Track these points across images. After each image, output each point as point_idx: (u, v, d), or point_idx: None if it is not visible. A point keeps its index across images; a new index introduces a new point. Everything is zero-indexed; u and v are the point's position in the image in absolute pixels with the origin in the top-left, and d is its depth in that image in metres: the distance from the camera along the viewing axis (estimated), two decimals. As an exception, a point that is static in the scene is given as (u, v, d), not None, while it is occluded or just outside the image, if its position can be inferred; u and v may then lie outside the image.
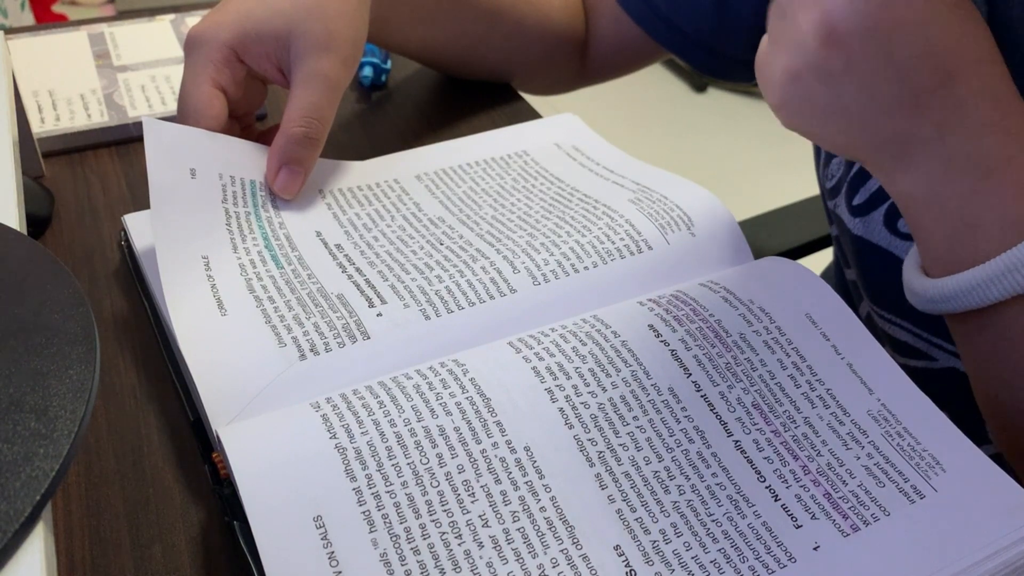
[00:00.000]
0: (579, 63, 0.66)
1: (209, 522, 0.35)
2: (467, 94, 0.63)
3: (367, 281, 0.41)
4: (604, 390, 0.35)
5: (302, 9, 0.45)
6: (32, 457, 0.26)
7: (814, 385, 0.36)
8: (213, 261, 0.41)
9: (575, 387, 0.35)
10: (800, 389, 0.36)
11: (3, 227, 0.36)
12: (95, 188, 0.53)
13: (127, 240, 0.46)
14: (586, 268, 0.42)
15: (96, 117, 0.57)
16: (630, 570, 0.30)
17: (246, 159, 0.46)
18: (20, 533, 0.25)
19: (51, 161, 0.55)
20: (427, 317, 0.39)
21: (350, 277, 0.41)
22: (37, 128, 0.55)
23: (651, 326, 0.37)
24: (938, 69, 0.35)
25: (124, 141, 0.57)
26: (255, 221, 0.44)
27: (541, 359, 0.36)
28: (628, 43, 0.63)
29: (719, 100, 2.29)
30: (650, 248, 0.43)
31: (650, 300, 0.39)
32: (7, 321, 0.31)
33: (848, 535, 0.31)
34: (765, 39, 0.39)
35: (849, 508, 0.32)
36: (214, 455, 0.34)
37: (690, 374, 0.36)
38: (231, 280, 0.41)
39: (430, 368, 0.36)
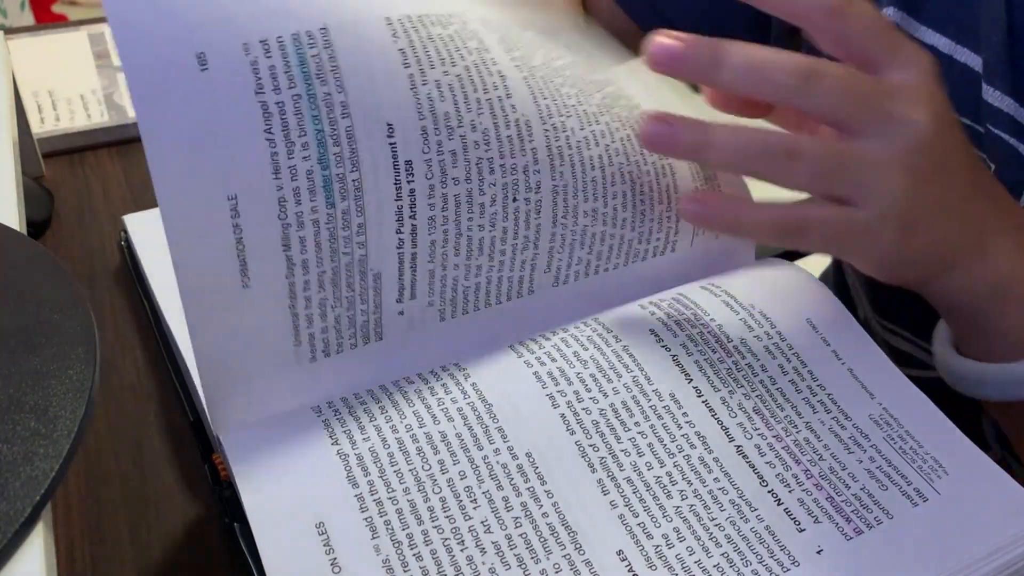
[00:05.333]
0: None
1: (209, 522, 0.35)
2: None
3: (413, 255, 0.35)
4: (605, 396, 0.35)
5: None
6: (32, 457, 0.26)
7: (815, 390, 0.36)
8: (242, 201, 0.31)
9: (576, 393, 0.35)
10: (801, 395, 0.36)
11: (3, 227, 0.36)
12: (95, 188, 0.53)
13: (127, 240, 0.46)
14: (606, 270, 0.42)
15: (96, 117, 0.57)
16: (633, 575, 0.30)
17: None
18: (20, 533, 0.25)
19: (51, 161, 0.55)
20: (443, 318, 0.39)
21: (400, 246, 0.35)
22: (37, 128, 0.55)
23: (652, 331, 0.37)
24: (978, 161, 0.37)
25: (124, 141, 0.57)
26: (307, 112, 0.32)
27: (543, 364, 0.36)
28: (625, 36, 0.63)
29: (719, 100, 2.28)
30: (673, 251, 0.43)
31: (651, 303, 0.39)
32: (7, 321, 0.31)
33: (851, 538, 0.31)
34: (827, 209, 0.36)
35: (852, 511, 0.32)
36: (214, 456, 0.34)
37: (691, 379, 0.36)
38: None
39: (432, 372, 0.35)
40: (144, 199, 0.52)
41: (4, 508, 0.25)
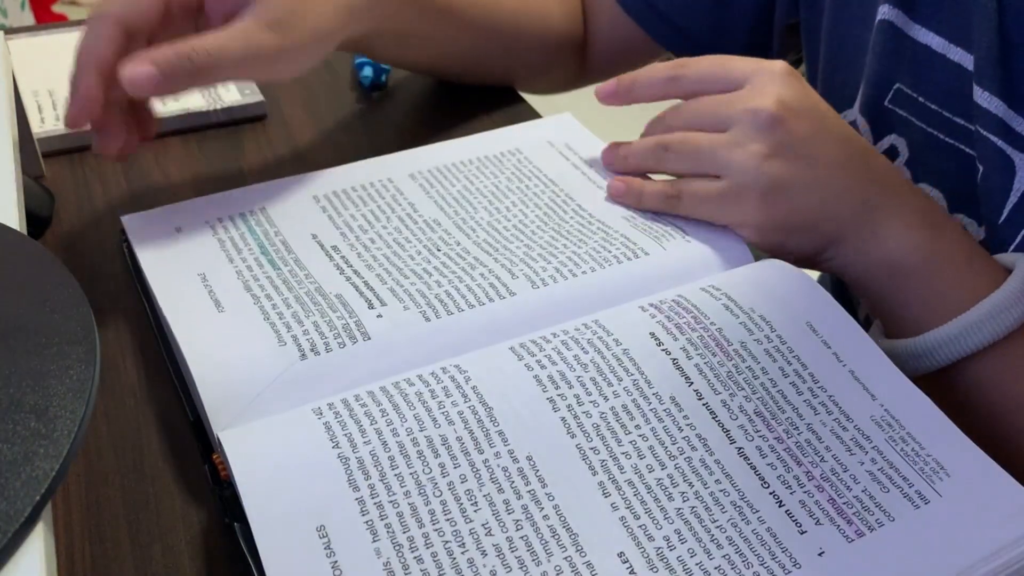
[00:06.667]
0: (579, 63, 0.66)
1: (209, 522, 0.35)
2: (468, 94, 0.63)
3: (365, 283, 0.41)
4: (606, 399, 0.35)
5: None
6: (32, 457, 0.26)
7: (816, 392, 0.36)
8: (210, 274, 0.42)
9: (577, 396, 0.35)
10: (802, 396, 0.36)
11: (3, 227, 0.36)
12: (95, 188, 0.53)
13: (126, 240, 0.46)
14: (584, 272, 0.42)
15: (96, 117, 0.57)
16: None
17: (232, 202, 0.48)
18: (20, 533, 0.25)
19: (51, 161, 0.55)
20: (427, 319, 0.39)
21: (348, 279, 0.42)
22: (37, 128, 0.55)
23: (652, 334, 0.37)
24: (857, 140, 0.44)
25: (124, 141, 0.57)
26: (249, 234, 0.45)
27: (543, 367, 0.36)
28: (627, 42, 0.63)
29: (719, 100, 2.28)
30: (646, 254, 0.43)
31: (651, 306, 0.39)
32: (7, 321, 0.31)
33: (853, 540, 0.31)
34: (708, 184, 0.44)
35: (853, 513, 0.32)
36: (214, 456, 0.34)
37: (692, 383, 0.36)
38: (228, 283, 0.41)
39: (432, 375, 0.36)
40: (143, 199, 0.52)
41: (4, 508, 0.25)
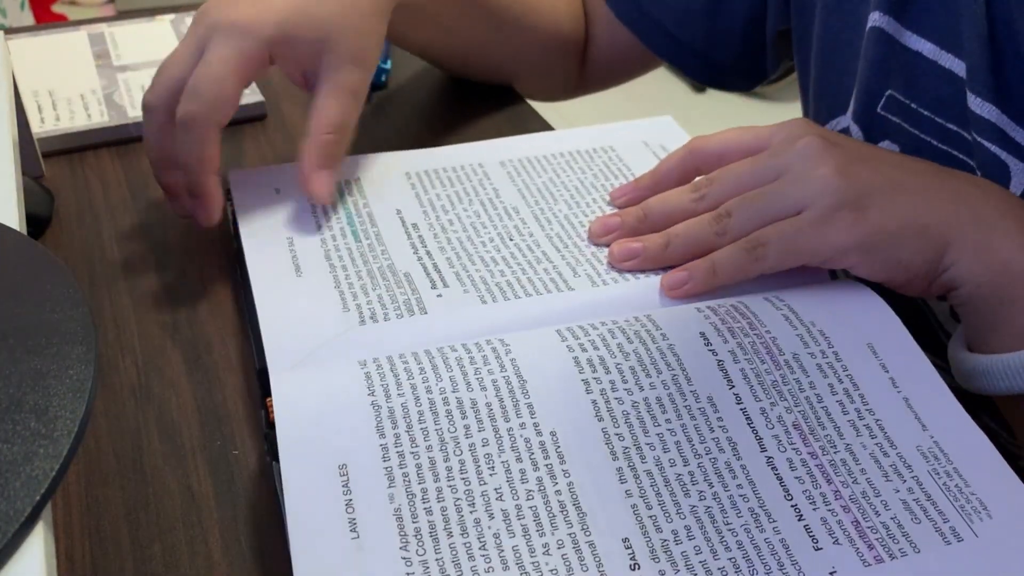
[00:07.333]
0: (578, 69, 0.66)
1: (209, 521, 0.35)
2: (468, 95, 0.63)
3: (434, 265, 0.44)
4: (641, 389, 0.35)
5: (338, 22, 0.46)
6: (32, 457, 0.26)
7: (863, 414, 0.35)
8: (297, 239, 0.45)
9: (612, 382, 0.35)
10: (847, 416, 0.35)
11: (3, 227, 0.36)
12: (95, 188, 0.53)
13: (229, 194, 0.49)
14: (646, 275, 0.43)
15: (96, 117, 0.57)
16: (634, 563, 0.30)
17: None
18: (20, 533, 0.25)
19: (51, 161, 0.55)
20: (484, 301, 0.41)
21: (420, 259, 0.44)
22: (37, 128, 0.55)
23: (702, 333, 0.37)
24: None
25: (124, 141, 0.57)
26: (340, 204, 0.48)
27: (584, 350, 0.36)
28: (623, 49, 0.63)
29: (719, 100, 2.28)
30: None
31: (707, 307, 0.39)
32: (7, 321, 0.31)
33: (870, 565, 0.30)
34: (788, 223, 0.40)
35: (876, 539, 0.31)
36: (267, 399, 0.35)
37: (733, 386, 0.35)
38: (312, 250, 0.44)
39: (475, 344, 0.37)
40: (144, 199, 0.52)
41: (4, 508, 0.25)
